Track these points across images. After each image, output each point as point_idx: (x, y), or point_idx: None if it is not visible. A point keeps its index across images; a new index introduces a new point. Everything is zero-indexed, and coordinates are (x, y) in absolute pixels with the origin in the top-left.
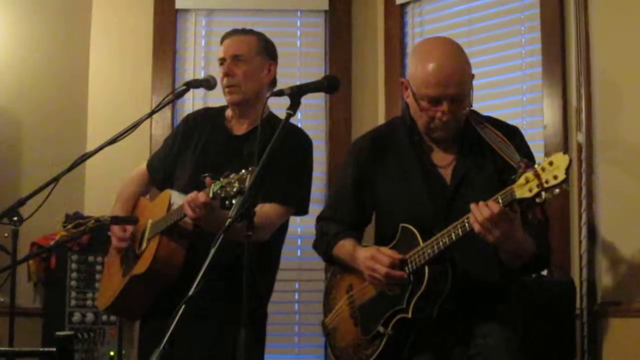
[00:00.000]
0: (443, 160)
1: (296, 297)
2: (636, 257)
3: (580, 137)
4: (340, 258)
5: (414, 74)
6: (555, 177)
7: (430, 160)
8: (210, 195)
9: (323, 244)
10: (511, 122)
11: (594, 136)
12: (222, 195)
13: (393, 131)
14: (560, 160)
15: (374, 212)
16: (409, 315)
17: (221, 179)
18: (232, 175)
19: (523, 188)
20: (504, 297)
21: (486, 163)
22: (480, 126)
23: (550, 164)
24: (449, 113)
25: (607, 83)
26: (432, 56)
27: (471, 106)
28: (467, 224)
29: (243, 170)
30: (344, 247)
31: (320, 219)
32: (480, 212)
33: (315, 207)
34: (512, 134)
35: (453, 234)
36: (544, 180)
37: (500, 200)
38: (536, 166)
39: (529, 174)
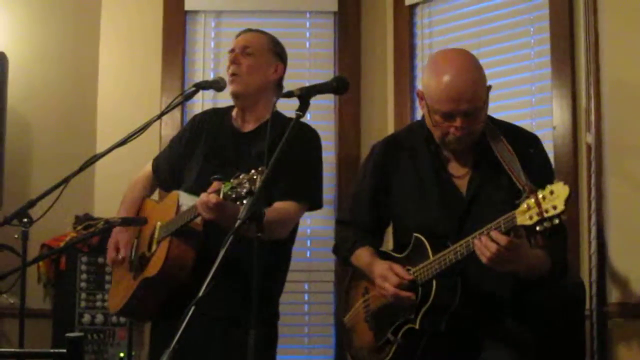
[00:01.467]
0: (459, 171)
1: (306, 298)
2: None
3: (590, 138)
4: (357, 266)
5: (427, 87)
6: (554, 208)
7: (446, 170)
8: (221, 196)
9: (342, 252)
10: (520, 123)
11: (603, 137)
12: (233, 196)
13: (412, 138)
14: (561, 190)
15: (391, 217)
16: (417, 326)
17: (232, 180)
18: (242, 176)
19: (524, 215)
20: (516, 311)
21: (501, 176)
22: (495, 140)
23: (551, 193)
24: (462, 129)
25: (617, 83)
26: (445, 71)
27: (484, 120)
28: (471, 245)
29: (253, 171)
30: (361, 257)
31: (338, 222)
32: (486, 248)
33: (326, 208)
34: (530, 143)
35: (459, 253)
36: (544, 210)
37: (503, 226)
38: (538, 193)
39: (531, 201)
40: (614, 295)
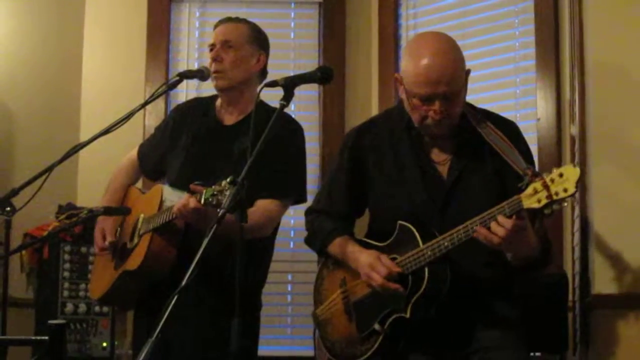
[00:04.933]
0: (440, 157)
1: (289, 288)
2: (628, 250)
3: (574, 130)
4: (335, 255)
5: (405, 71)
6: (565, 190)
7: (428, 156)
8: (202, 202)
9: (317, 240)
10: (505, 114)
11: (587, 128)
12: (214, 203)
13: (389, 123)
14: (571, 172)
15: (367, 205)
16: (407, 315)
17: (213, 187)
18: (223, 183)
19: (531, 198)
20: (504, 294)
21: (484, 162)
22: (482, 125)
23: (560, 175)
24: (440, 112)
25: (601, 75)
26: (423, 54)
27: (463, 104)
28: (470, 230)
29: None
30: (342, 246)
31: (311, 212)
32: (495, 234)
33: (310, 199)
34: (510, 130)
35: (456, 239)
36: (553, 192)
37: (507, 210)
38: (545, 177)
39: (538, 185)
40: (597, 287)
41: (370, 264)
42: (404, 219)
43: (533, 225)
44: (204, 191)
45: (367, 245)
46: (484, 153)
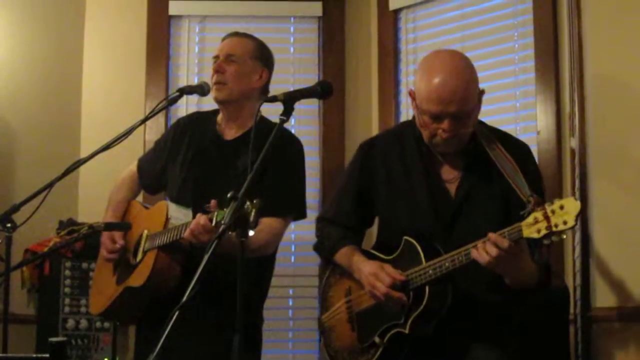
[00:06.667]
0: (450, 174)
1: (290, 303)
2: (629, 263)
3: (574, 143)
4: (341, 264)
5: (418, 87)
6: (564, 223)
7: (437, 173)
8: (213, 223)
9: (325, 249)
10: (504, 128)
11: (587, 141)
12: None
13: (402, 138)
14: (571, 206)
15: (376, 217)
16: (406, 331)
17: (225, 209)
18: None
19: (531, 228)
20: (503, 318)
21: (493, 183)
22: (492, 146)
23: (561, 207)
24: (449, 131)
25: (600, 88)
26: (436, 71)
27: (474, 125)
28: (470, 254)
29: (248, 203)
30: (348, 256)
31: (321, 220)
32: (486, 253)
33: (310, 213)
34: (522, 153)
35: (457, 261)
36: (553, 224)
37: (507, 236)
38: (546, 207)
39: (538, 214)
40: (598, 301)
41: (375, 273)
42: (410, 235)
43: (533, 253)
44: (216, 213)
45: (372, 257)
46: (492, 173)
